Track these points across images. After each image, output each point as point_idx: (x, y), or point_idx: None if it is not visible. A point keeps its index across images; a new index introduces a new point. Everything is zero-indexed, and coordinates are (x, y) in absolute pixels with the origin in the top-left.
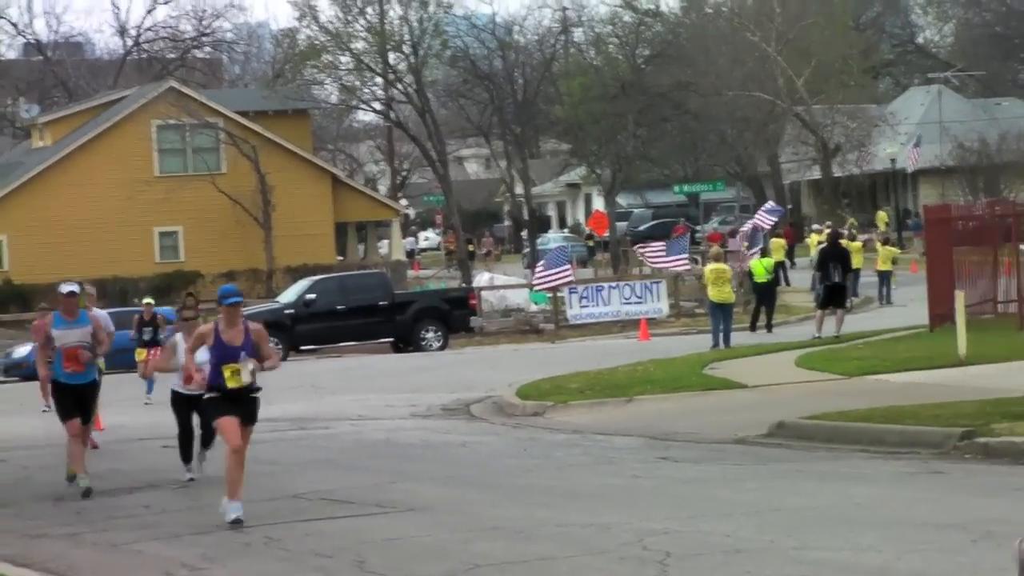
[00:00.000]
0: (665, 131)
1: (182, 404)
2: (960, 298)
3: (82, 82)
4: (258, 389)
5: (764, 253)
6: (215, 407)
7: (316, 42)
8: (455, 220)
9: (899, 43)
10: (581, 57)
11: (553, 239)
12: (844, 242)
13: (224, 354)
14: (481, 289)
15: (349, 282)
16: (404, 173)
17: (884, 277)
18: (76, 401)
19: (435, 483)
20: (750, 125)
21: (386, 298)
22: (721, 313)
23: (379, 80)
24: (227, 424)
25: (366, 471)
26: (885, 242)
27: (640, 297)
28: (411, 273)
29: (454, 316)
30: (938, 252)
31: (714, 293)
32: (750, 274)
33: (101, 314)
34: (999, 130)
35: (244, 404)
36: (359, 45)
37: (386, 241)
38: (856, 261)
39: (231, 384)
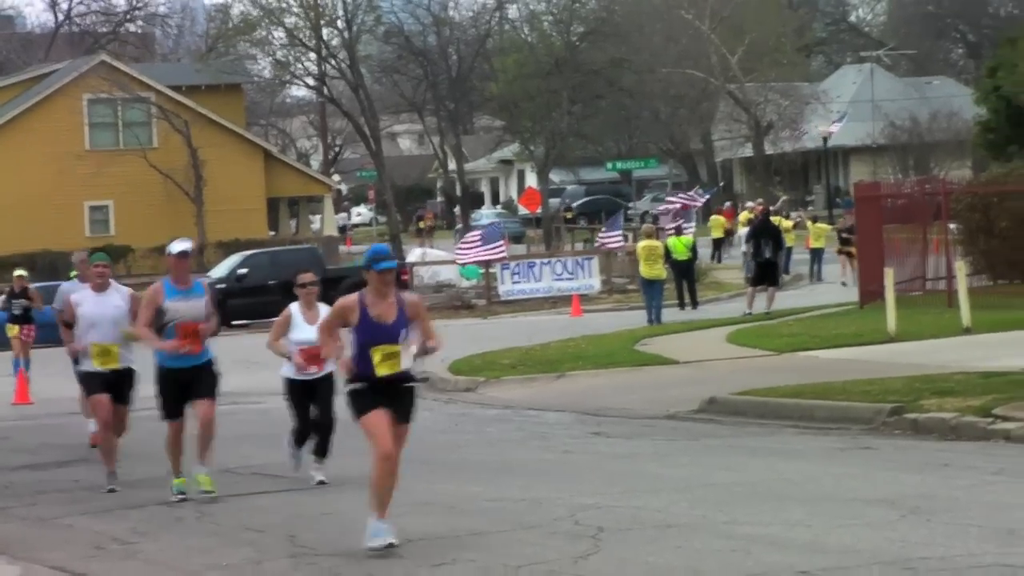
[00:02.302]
0: (599, 108)
1: (299, 393)
2: (890, 275)
3: (13, 56)
4: (420, 380)
5: (680, 231)
6: (360, 401)
7: (249, 16)
8: (388, 196)
9: (832, 21)
10: (516, 34)
11: (486, 215)
12: (776, 219)
13: (373, 334)
14: (413, 265)
15: (281, 257)
16: (337, 149)
17: (816, 254)
18: (183, 389)
19: (367, 458)
20: (684, 102)
21: (318, 273)
22: (653, 290)
23: (312, 55)
24: (376, 423)
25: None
26: (815, 219)
27: (572, 273)
28: (343, 248)
29: None
30: (868, 230)
31: (645, 270)
32: (667, 251)
33: None
34: (930, 109)
35: (398, 397)
36: (292, 20)
37: (318, 216)
38: (788, 239)
39: (382, 371)
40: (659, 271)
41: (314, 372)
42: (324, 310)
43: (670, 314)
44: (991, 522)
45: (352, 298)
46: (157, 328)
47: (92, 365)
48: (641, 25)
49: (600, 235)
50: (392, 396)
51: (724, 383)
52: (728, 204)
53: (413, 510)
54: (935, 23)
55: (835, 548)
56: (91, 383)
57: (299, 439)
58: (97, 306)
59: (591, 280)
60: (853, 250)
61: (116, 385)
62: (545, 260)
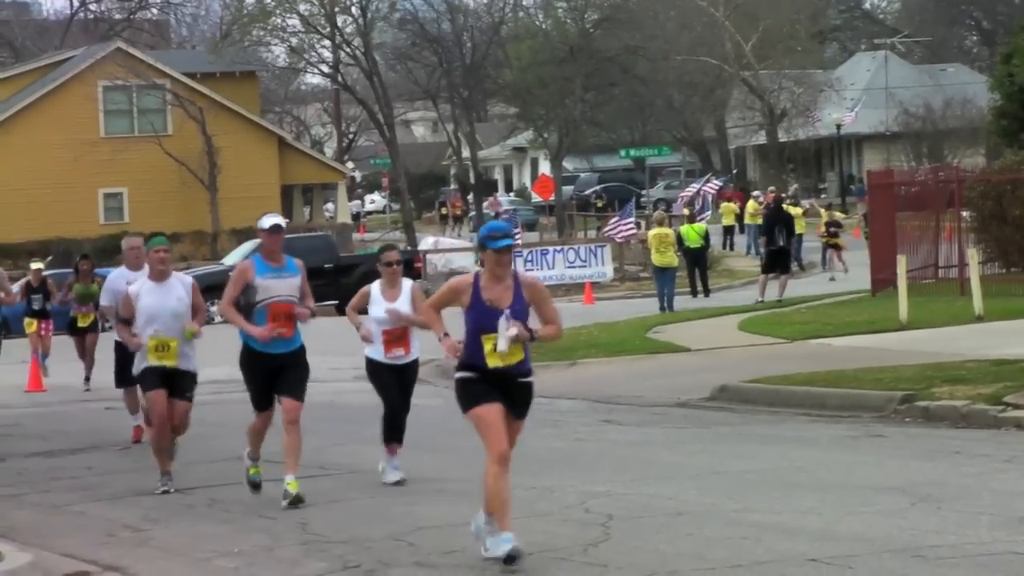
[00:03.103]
0: (613, 95)
1: (385, 376)
2: (902, 263)
3: (28, 43)
4: (527, 372)
5: (692, 219)
6: (470, 392)
7: (264, 4)
8: (402, 183)
9: (846, 8)
10: (530, 21)
11: (502, 202)
12: (787, 207)
13: (485, 320)
14: (426, 252)
15: (295, 244)
16: (351, 136)
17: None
18: (272, 376)
19: (379, 446)
20: (697, 90)
21: (331, 261)
22: (664, 277)
23: (327, 43)
24: (489, 418)
25: (310, 433)
26: (828, 207)
27: (585, 261)
28: (357, 236)
29: None
30: (881, 217)
31: (657, 258)
32: (680, 239)
33: None
34: (944, 96)
35: (513, 392)
36: (307, 7)
37: (332, 204)
38: (798, 227)
39: (494, 362)
40: (671, 259)
41: (402, 356)
42: (407, 288)
43: (682, 302)
44: (1002, 510)
45: (466, 278)
46: (245, 309)
47: (148, 359)
48: (655, 12)
49: (609, 225)
50: (506, 390)
51: (736, 371)
52: (740, 190)
53: (424, 498)
54: (949, 10)
55: (846, 536)
56: (147, 378)
57: (393, 424)
58: (158, 298)
59: (604, 268)
60: (840, 241)
61: (175, 379)
62: (558, 248)
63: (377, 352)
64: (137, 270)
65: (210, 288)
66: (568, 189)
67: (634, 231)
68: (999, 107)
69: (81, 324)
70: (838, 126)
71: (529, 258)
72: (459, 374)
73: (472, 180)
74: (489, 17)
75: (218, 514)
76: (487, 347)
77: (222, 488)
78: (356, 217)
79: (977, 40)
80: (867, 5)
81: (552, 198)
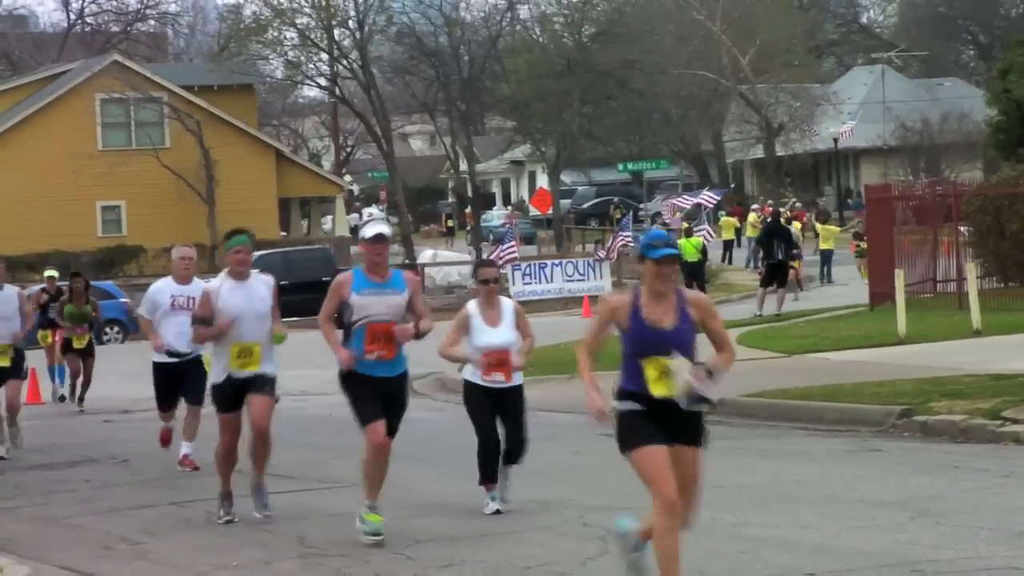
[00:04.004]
0: (610, 109)
1: (483, 402)
2: (900, 277)
3: (26, 55)
4: (709, 403)
5: (689, 233)
6: (630, 428)
7: (261, 17)
8: (399, 196)
9: (843, 23)
10: (527, 34)
11: (497, 216)
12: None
13: (646, 341)
14: (424, 265)
15: (293, 257)
16: (348, 149)
17: (826, 256)
18: (381, 400)
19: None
20: (694, 104)
21: (329, 273)
22: None
23: (324, 56)
24: (653, 461)
25: (308, 447)
26: (824, 221)
27: (583, 275)
28: (355, 249)
29: None
30: (879, 231)
31: None
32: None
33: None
34: (941, 110)
35: (682, 426)
36: (304, 20)
37: (330, 217)
38: (824, 242)
39: (659, 390)
40: None
41: (501, 381)
42: (508, 308)
43: None
44: (1000, 525)
45: (622, 296)
46: (344, 327)
47: (228, 368)
48: (652, 26)
49: (601, 250)
50: (676, 424)
51: (734, 385)
52: (737, 204)
53: (422, 512)
54: (946, 24)
55: (844, 550)
56: (220, 396)
57: (488, 460)
58: (240, 298)
59: (602, 281)
60: (797, 264)
61: (251, 383)
62: (556, 261)
63: (475, 374)
64: (185, 283)
65: None
66: (566, 203)
67: (634, 244)
68: (996, 122)
69: (77, 346)
70: (835, 140)
71: (528, 271)
72: (620, 405)
73: (470, 193)
74: (486, 31)
75: (216, 527)
76: (650, 374)
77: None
78: (354, 230)
79: (974, 54)
80: (864, 19)
81: (550, 211)
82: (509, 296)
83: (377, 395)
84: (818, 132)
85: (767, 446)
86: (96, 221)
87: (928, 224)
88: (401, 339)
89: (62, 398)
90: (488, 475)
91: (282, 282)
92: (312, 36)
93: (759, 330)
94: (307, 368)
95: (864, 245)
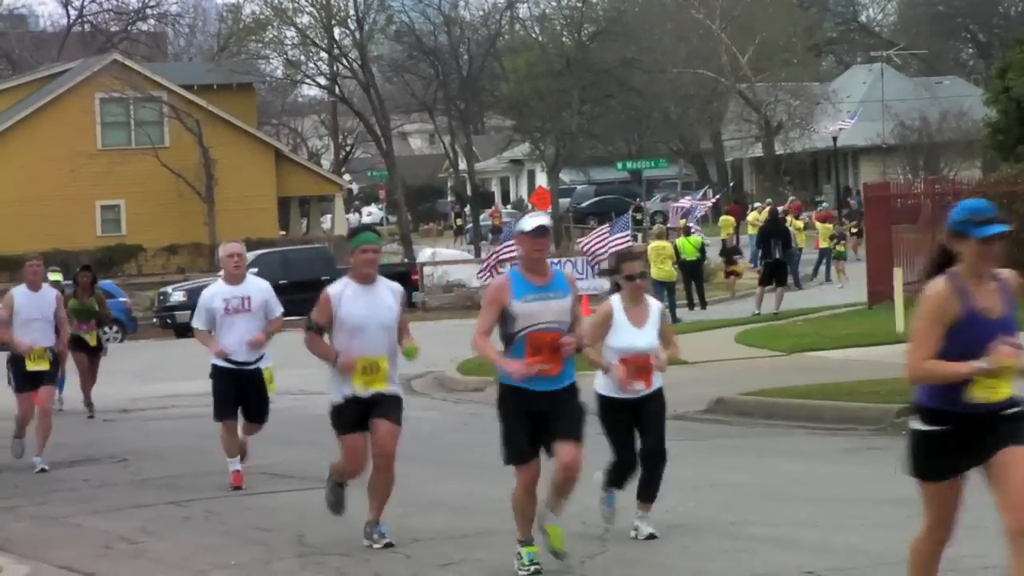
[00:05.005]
0: (609, 108)
1: (621, 418)
2: (898, 275)
3: (26, 55)
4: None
5: (687, 232)
6: (934, 457)
7: (261, 16)
8: (399, 195)
9: (842, 21)
10: (526, 34)
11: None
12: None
13: (980, 337)
14: (423, 264)
15: (292, 256)
16: (348, 148)
17: (825, 254)
18: (538, 419)
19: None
20: (694, 102)
21: (329, 273)
22: (662, 291)
23: (324, 55)
24: (945, 497)
25: (308, 446)
26: (823, 220)
27: (581, 273)
28: None
29: None
30: (877, 230)
31: (655, 271)
32: (677, 252)
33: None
34: (940, 109)
35: (1000, 433)
36: (304, 20)
37: (329, 216)
38: (799, 240)
39: (981, 395)
40: (669, 272)
41: (640, 389)
42: (655, 308)
43: (678, 314)
44: (999, 523)
45: (944, 283)
46: (504, 339)
47: (350, 387)
48: (651, 25)
49: (592, 238)
50: (986, 437)
51: (732, 383)
52: (733, 202)
53: (421, 511)
54: (945, 23)
55: (842, 548)
56: (343, 417)
57: (619, 477)
58: (364, 305)
59: (600, 280)
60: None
61: (375, 404)
62: (554, 260)
63: (609, 386)
64: (236, 283)
65: None
66: (565, 201)
67: (630, 244)
68: (995, 121)
69: (90, 343)
70: (834, 138)
71: None
72: (920, 427)
73: (469, 192)
74: (486, 30)
75: (215, 526)
76: (981, 382)
77: (219, 500)
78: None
79: (973, 53)
80: (863, 18)
81: (549, 210)
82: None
83: (537, 416)
84: (817, 130)
85: (765, 445)
86: (95, 220)
87: (927, 222)
88: (565, 352)
89: (60, 410)
90: (621, 484)
91: (281, 281)
92: (312, 35)
93: (757, 329)
94: (306, 367)
95: (841, 248)
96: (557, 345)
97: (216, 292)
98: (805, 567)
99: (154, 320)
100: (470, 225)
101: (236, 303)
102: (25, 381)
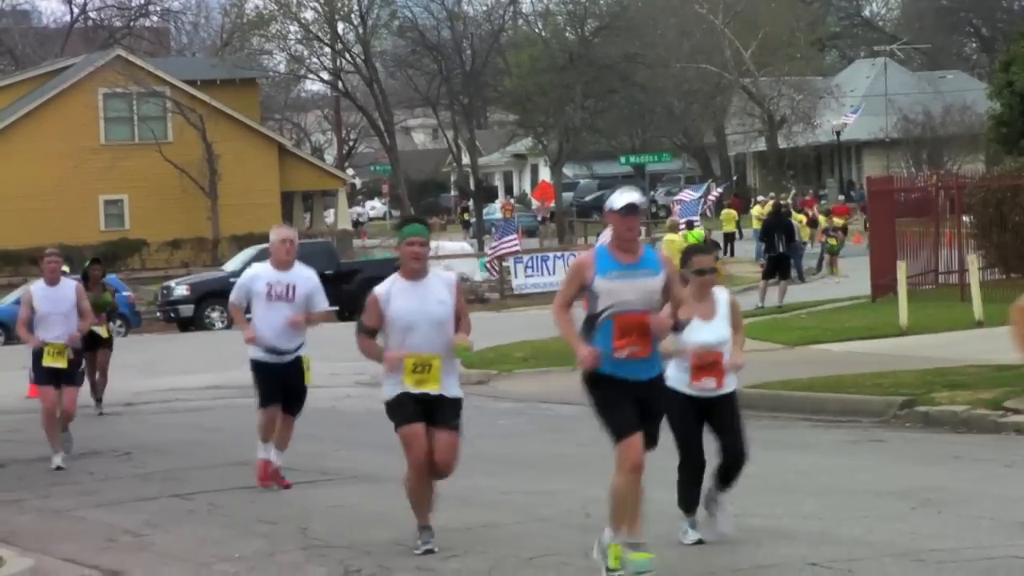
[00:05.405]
0: (612, 103)
1: (689, 415)
2: (902, 269)
3: (28, 50)
4: None
5: (691, 225)
6: None
7: (264, 11)
8: (402, 190)
9: (845, 16)
10: (529, 29)
11: (498, 209)
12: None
13: None
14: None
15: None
16: (351, 143)
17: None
18: (638, 404)
19: (379, 451)
20: (697, 97)
21: (332, 267)
22: None
23: (327, 50)
24: None
25: (311, 439)
26: (827, 214)
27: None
28: (358, 242)
29: None
30: (881, 223)
31: None
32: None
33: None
34: (943, 103)
35: None
36: (308, 15)
37: (332, 211)
38: (803, 234)
39: None
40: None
41: (712, 388)
42: (723, 299)
43: None
44: (1002, 515)
45: None
46: (589, 319)
47: (403, 383)
48: (655, 19)
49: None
50: None
51: (736, 376)
52: (734, 196)
53: None
54: (949, 17)
55: (846, 540)
56: (400, 408)
57: (690, 483)
58: (414, 301)
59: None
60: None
61: (435, 406)
62: (558, 254)
63: (680, 380)
64: (285, 269)
65: (210, 295)
66: (568, 196)
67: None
68: (998, 114)
69: (102, 335)
70: (837, 132)
71: (530, 264)
72: None
73: (472, 187)
74: (489, 25)
75: (219, 519)
76: None
77: (223, 493)
78: (356, 224)
79: (976, 47)
80: (866, 12)
81: (552, 204)
82: (512, 289)
83: (629, 398)
84: (820, 125)
85: (769, 437)
86: (99, 215)
87: (930, 216)
88: (659, 332)
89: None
90: (689, 501)
91: None
92: (315, 30)
93: (761, 322)
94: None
95: (834, 241)
96: (646, 326)
97: (261, 274)
98: (809, 558)
99: (157, 314)
100: (473, 219)
101: (280, 289)
102: (45, 375)
